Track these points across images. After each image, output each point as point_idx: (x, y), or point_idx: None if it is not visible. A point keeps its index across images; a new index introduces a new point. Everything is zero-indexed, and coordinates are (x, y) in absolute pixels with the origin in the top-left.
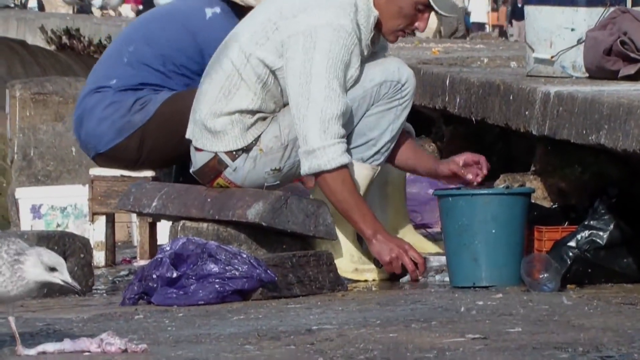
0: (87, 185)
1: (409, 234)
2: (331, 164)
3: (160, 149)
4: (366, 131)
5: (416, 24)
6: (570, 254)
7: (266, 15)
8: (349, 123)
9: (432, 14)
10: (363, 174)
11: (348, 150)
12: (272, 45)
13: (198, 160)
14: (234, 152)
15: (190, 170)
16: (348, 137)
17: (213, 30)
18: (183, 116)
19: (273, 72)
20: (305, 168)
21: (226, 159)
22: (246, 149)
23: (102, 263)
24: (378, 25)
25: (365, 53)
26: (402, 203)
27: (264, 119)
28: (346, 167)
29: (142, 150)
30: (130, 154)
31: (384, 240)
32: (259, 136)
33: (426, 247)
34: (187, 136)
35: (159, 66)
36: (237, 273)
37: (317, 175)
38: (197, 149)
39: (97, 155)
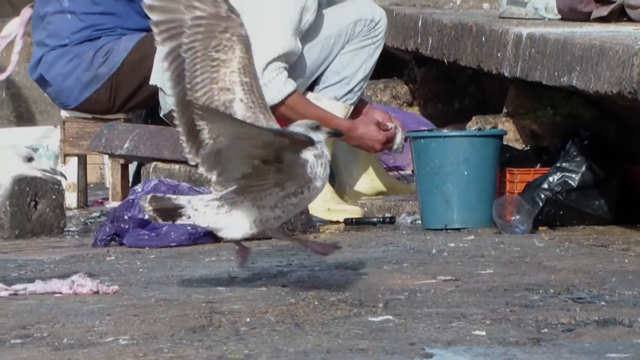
0: (59, 127)
1: (380, 177)
2: (278, 97)
3: (133, 96)
4: (340, 69)
5: None
6: (542, 196)
7: None
8: (324, 61)
9: None
10: (336, 113)
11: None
12: None
13: (169, 103)
14: None
15: (161, 114)
16: (322, 75)
17: None
18: (152, 61)
19: None
20: None
21: None
22: None
23: (74, 205)
24: None
25: None
26: None
27: None
28: (294, 92)
29: (114, 100)
30: (101, 106)
31: (358, 135)
32: None
33: (398, 189)
34: (154, 83)
35: (96, 7)
36: None
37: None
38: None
39: (68, 110)
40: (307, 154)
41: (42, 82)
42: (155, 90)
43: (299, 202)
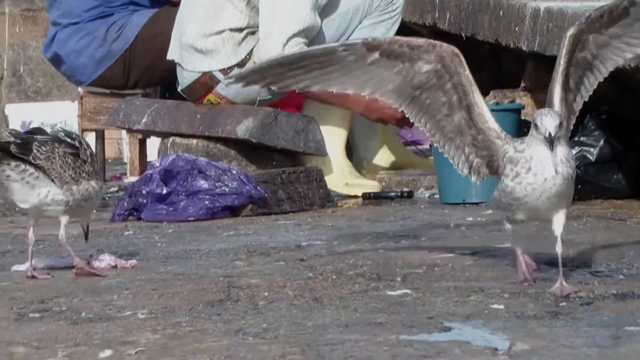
0: (76, 102)
1: (398, 151)
2: None
3: (147, 72)
4: None
5: None
6: None
7: None
8: (342, 36)
9: None
10: None
11: None
12: None
13: (187, 78)
14: (227, 69)
15: (178, 89)
16: None
17: None
18: (166, 36)
19: None
20: None
21: (218, 74)
22: (240, 64)
23: None
24: None
25: None
26: None
27: (253, 33)
28: None
29: (128, 76)
30: (116, 82)
31: (379, 107)
32: (251, 50)
33: (416, 163)
34: (171, 58)
35: None
36: (227, 189)
37: None
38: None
39: (83, 86)
40: (506, 146)
41: (56, 60)
42: (170, 66)
43: (510, 190)
